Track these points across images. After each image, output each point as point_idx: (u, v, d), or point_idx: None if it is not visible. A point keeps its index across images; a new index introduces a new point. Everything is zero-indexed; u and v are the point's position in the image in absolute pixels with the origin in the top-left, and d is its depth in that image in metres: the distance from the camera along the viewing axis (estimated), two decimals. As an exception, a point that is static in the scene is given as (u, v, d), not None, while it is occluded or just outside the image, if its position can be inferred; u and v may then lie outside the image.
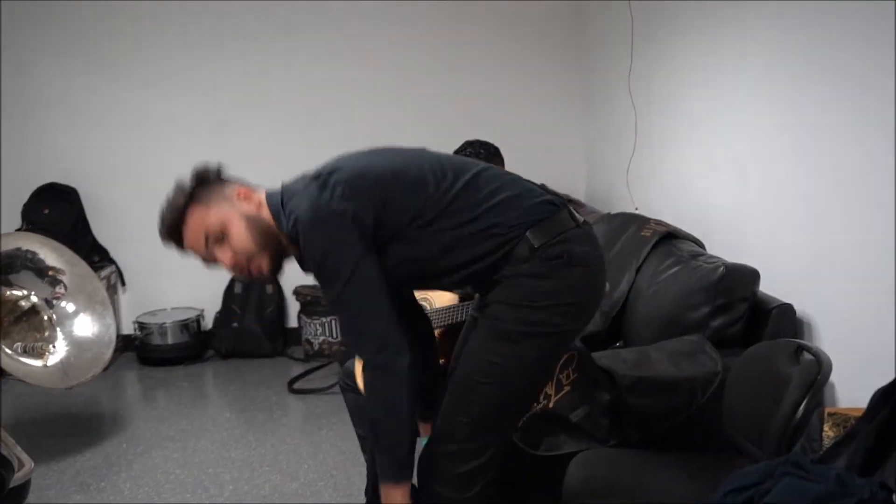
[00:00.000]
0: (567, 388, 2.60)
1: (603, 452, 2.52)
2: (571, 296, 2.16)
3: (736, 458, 2.38)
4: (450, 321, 2.89)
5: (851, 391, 2.49)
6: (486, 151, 2.90)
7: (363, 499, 3.03)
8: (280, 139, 5.24)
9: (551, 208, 2.22)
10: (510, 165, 5.18)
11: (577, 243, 2.19)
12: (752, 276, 2.80)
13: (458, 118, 5.33)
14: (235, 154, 5.21)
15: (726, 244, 3.25)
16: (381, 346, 2.08)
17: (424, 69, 5.37)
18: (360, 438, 3.07)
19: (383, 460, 2.16)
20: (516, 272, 2.15)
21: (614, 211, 4.12)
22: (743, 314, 2.77)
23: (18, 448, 3.34)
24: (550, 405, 2.57)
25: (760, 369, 2.33)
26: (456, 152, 2.87)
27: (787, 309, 2.73)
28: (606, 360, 2.68)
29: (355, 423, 3.12)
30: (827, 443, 1.87)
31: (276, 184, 2.26)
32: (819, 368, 2.12)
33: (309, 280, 5.10)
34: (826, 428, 1.90)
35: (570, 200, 4.63)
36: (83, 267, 4.14)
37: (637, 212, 4.01)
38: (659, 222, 3.40)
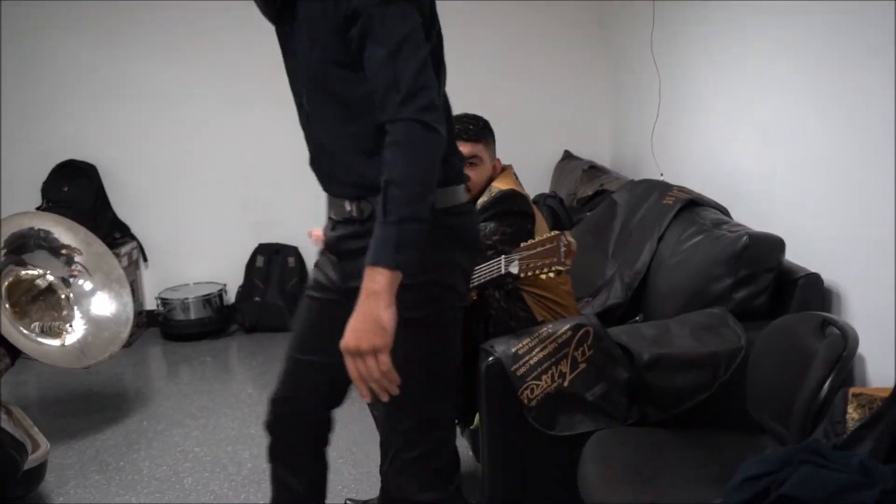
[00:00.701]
0: (583, 366, 2.52)
1: (621, 431, 2.45)
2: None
3: (761, 438, 2.31)
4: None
5: (882, 369, 2.38)
6: (475, 126, 2.82)
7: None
8: (289, 114, 5.15)
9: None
10: (534, 132, 5.28)
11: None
12: (777, 245, 2.70)
13: (479, 85, 5.17)
14: (254, 129, 5.27)
15: (753, 212, 3.15)
16: (433, 106, 1.76)
17: (445, 34, 5.23)
18: (375, 419, 3.00)
19: (390, 233, 1.72)
20: None
21: (640, 178, 4.01)
22: (768, 285, 2.67)
23: (35, 429, 3.34)
24: (565, 384, 2.50)
25: (784, 344, 2.25)
26: (456, 117, 2.81)
27: (814, 279, 2.63)
28: (624, 335, 2.59)
29: (369, 403, 3.05)
30: (851, 426, 1.77)
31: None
32: (845, 344, 2.03)
33: None
34: (850, 409, 1.80)
35: (594, 167, 4.58)
36: (99, 245, 4.11)
37: (662, 178, 3.91)
38: (682, 189, 3.29)
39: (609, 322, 2.97)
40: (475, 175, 2.81)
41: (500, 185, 2.79)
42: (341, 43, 1.82)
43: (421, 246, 1.74)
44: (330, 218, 2.08)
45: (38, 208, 5.03)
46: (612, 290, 3.23)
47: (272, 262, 5.35)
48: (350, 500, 3.15)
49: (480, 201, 2.76)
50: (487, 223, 2.68)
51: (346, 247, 2.00)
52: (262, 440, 3.71)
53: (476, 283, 2.60)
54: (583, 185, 4.44)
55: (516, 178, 2.91)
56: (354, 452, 3.65)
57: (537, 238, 2.45)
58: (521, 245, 2.47)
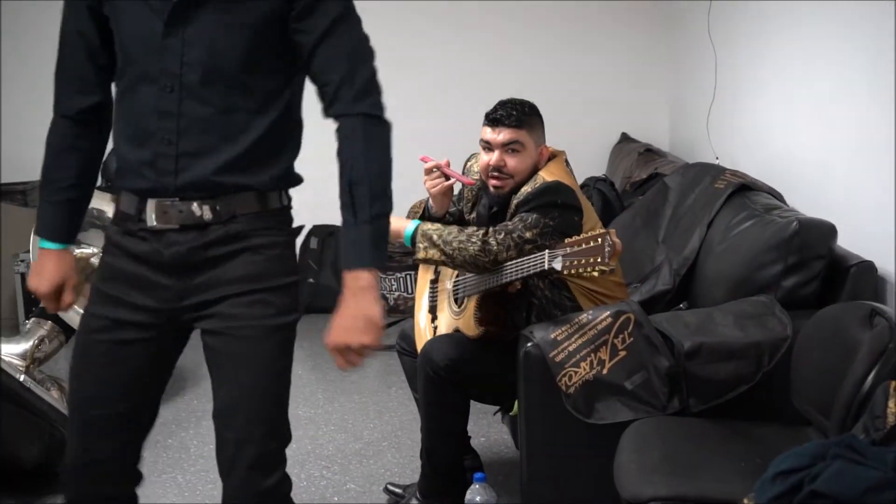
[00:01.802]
0: (623, 354, 2.49)
1: (659, 421, 2.41)
2: None
3: (805, 430, 2.26)
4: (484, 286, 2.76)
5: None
6: (518, 112, 2.77)
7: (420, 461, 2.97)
8: None
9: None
10: (591, 114, 5.23)
11: None
12: (828, 231, 2.62)
13: (535, 66, 5.22)
14: (307, 106, 5.31)
15: (808, 197, 3.07)
16: (381, 101, 1.82)
17: (500, 15, 5.23)
18: (417, 402, 3.00)
19: (365, 233, 1.76)
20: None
21: (696, 161, 3.94)
22: (818, 273, 2.60)
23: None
24: (604, 371, 2.47)
25: (830, 334, 2.20)
26: (489, 115, 2.79)
27: (867, 267, 2.55)
28: (666, 322, 2.55)
29: (413, 386, 3.07)
30: (892, 420, 1.72)
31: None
32: (891, 336, 1.96)
33: None
34: (892, 404, 1.74)
35: (650, 150, 4.53)
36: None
37: (717, 162, 3.84)
38: (735, 173, 3.23)
39: (656, 309, 2.95)
40: (517, 162, 2.77)
41: (545, 175, 2.74)
42: (277, 33, 1.79)
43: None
44: (150, 229, 1.84)
45: (98, 188, 5.10)
46: (660, 276, 3.18)
47: (326, 243, 5.36)
48: (391, 484, 3.14)
49: (523, 190, 2.72)
50: (529, 214, 2.64)
51: (212, 254, 1.84)
52: (308, 422, 3.77)
53: (518, 276, 2.59)
54: (637, 169, 4.40)
55: (567, 165, 2.87)
56: (399, 436, 3.65)
57: (583, 234, 2.42)
58: (566, 241, 2.44)
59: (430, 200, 2.94)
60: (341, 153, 1.79)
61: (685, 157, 4.44)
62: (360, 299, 1.74)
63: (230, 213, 1.82)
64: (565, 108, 5.10)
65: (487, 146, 2.81)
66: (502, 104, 2.81)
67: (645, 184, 4.15)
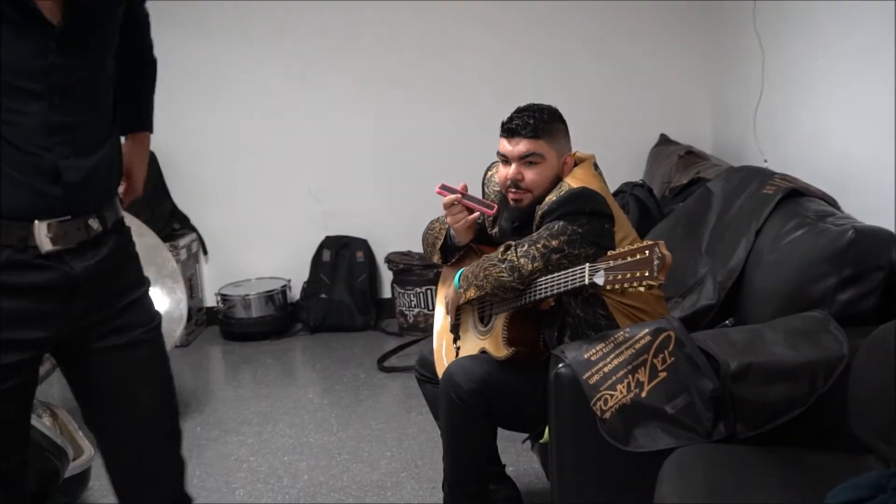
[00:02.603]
0: (663, 375, 2.47)
1: (704, 449, 2.38)
2: None
3: (864, 458, 2.23)
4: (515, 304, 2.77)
5: None
6: (535, 120, 2.77)
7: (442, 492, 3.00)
8: (367, 99, 5.32)
9: None
10: (627, 114, 5.27)
11: None
12: (888, 240, 2.59)
13: (568, 65, 5.29)
14: (319, 114, 5.32)
15: (864, 203, 3.06)
16: None
17: (533, 12, 5.27)
18: (441, 429, 3.01)
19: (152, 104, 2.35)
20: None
21: (741, 164, 3.93)
22: (877, 286, 2.56)
23: (80, 434, 3.41)
24: (643, 394, 2.45)
25: (889, 352, 2.15)
26: (504, 124, 2.82)
27: (931, 279, 2.52)
28: (711, 341, 2.52)
29: (436, 414, 3.08)
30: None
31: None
32: (958, 355, 1.93)
33: (402, 246, 5.27)
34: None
35: (692, 153, 4.53)
36: (152, 237, 4.18)
37: (765, 165, 3.83)
38: (784, 177, 3.20)
39: (699, 326, 2.96)
40: (535, 174, 2.79)
41: (571, 182, 2.74)
42: (118, 33, 2.02)
43: None
44: (47, 253, 1.89)
45: None
46: (703, 290, 3.16)
47: (340, 256, 5.40)
48: (411, 516, 3.15)
49: (548, 199, 2.73)
50: (555, 222, 2.65)
51: (116, 261, 2.03)
52: (320, 451, 3.78)
53: (555, 292, 2.59)
54: (678, 173, 4.38)
55: (596, 171, 2.86)
56: (419, 466, 3.66)
57: (629, 246, 2.40)
58: (609, 253, 2.42)
59: (453, 231, 2.98)
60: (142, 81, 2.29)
61: (730, 160, 4.43)
62: None
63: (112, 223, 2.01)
64: (600, 108, 5.24)
65: (505, 159, 2.83)
66: (519, 112, 2.81)
67: (686, 189, 4.13)
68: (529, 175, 2.78)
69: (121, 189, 2.15)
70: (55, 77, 1.84)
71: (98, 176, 1.96)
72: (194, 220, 5.52)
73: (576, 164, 2.84)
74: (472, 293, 2.76)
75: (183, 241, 5.27)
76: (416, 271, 5.20)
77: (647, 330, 2.52)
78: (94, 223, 1.95)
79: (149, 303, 2.13)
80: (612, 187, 3.36)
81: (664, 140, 5.12)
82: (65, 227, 1.89)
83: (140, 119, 2.27)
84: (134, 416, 2.10)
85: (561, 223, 2.64)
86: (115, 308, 2.01)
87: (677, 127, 5.19)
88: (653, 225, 3.92)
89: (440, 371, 2.88)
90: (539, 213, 2.73)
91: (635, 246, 2.38)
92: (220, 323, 5.41)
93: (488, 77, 5.27)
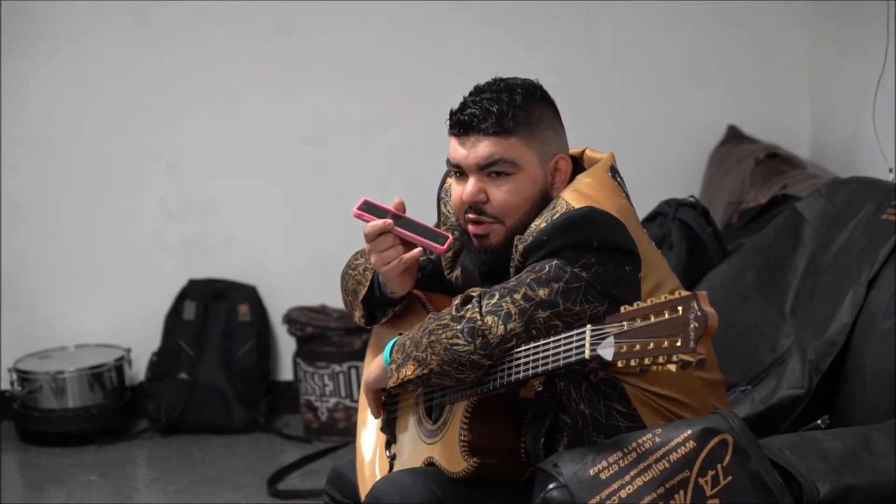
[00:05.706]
0: (713, 502, 2.40)
1: None
2: None
3: None
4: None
5: None
6: (500, 107, 2.66)
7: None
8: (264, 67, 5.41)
9: None
10: (675, 96, 5.33)
11: None
12: None
13: (621, 41, 5.29)
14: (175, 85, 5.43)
15: None
16: None
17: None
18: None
19: None
20: None
21: (851, 174, 3.92)
22: None
23: None
24: (684, 528, 2.47)
25: None
26: (454, 115, 2.71)
27: None
28: (791, 451, 2.49)
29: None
30: None
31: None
32: None
33: (312, 298, 5.25)
34: None
35: (776, 155, 4.64)
36: None
37: (891, 177, 3.82)
38: (918, 197, 3.31)
39: (777, 429, 3.00)
40: (507, 192, 2.70)
41: (570, 199, 2.66)
42: None
43: None
44: None
45: None
46: (785, 372, 3.13)
47: (211, 312, 5.37)
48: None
49: (534, 226, 2.65)
50: (545, 262, 2.58)
51: None
52: None
53: (540, 371, 2.52)
54: (754, 188, 4.44)
55: (614, 177, 2.78)
56: None
57: (650, 300, 2.34)
58: (623, 309, 2.36)
59: (381, 276, 2.91)
60: None
61: (835, 169, 4.53)
62: None
63: None
64: (635, 83, 5.31)
65: (458, 170, 2.75)
66: (476, 94, 2.73)
67: (765, 213, 4.14)
68: (498, 194, 2.70)
69: None
70: None
71: None
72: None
73: (579, 170, 2.78)
74: (409, 371, 2.69)
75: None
76: (333, 338, 5.14)
77: (688, 432, 2.47)
78: None
79: None
80: (647, 207, 3.47)
81: (734, 135, 5.16)
82: None
83: None
84: None
85: (554, 263, 2.58)
86: None
87: (762, 120, 5.22)
88: (709, 268, 3.92)
89: (363, 492, 2.86)
90: (520, 247, 2.67)
91: (663, 300, 2.31)
92: (17, 416, 5.33)
93: (463, 38, 5.37)
